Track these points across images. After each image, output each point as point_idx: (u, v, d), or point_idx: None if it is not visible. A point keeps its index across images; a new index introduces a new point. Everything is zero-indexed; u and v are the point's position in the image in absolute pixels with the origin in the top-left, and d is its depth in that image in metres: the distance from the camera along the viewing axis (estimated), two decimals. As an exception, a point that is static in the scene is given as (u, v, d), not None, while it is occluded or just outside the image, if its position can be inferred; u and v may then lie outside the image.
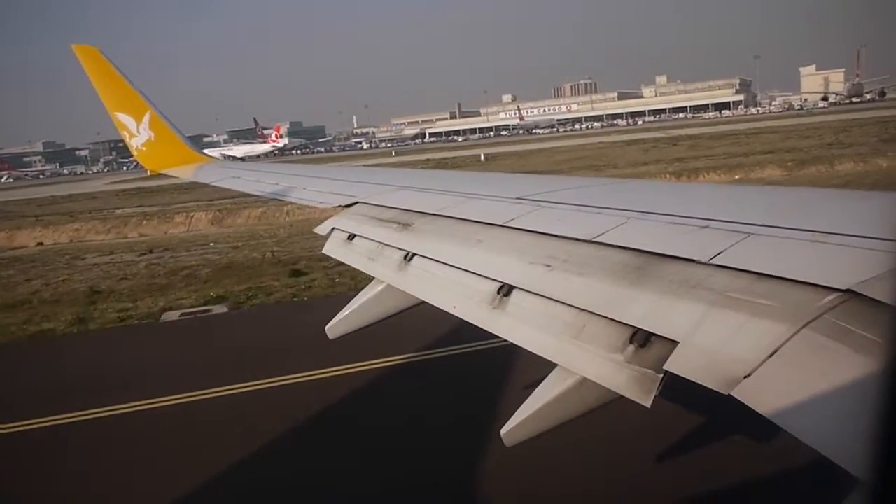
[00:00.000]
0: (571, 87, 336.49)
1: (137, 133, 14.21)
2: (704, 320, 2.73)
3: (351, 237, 6.24)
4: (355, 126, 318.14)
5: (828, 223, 3.14)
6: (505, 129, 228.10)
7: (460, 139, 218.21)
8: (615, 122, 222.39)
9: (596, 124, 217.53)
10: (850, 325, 2.27)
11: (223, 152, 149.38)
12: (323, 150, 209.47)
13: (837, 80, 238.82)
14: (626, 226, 3.94)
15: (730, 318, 2.66)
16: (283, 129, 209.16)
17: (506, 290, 3.89)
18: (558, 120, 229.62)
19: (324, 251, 6.52)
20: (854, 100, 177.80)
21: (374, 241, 5.82)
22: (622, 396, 2.93)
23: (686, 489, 8.31)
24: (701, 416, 9.40)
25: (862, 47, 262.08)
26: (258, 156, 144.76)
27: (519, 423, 3.49)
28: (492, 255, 4.42)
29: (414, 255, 5.08)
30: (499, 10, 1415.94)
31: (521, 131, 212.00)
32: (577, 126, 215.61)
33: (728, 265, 2.95)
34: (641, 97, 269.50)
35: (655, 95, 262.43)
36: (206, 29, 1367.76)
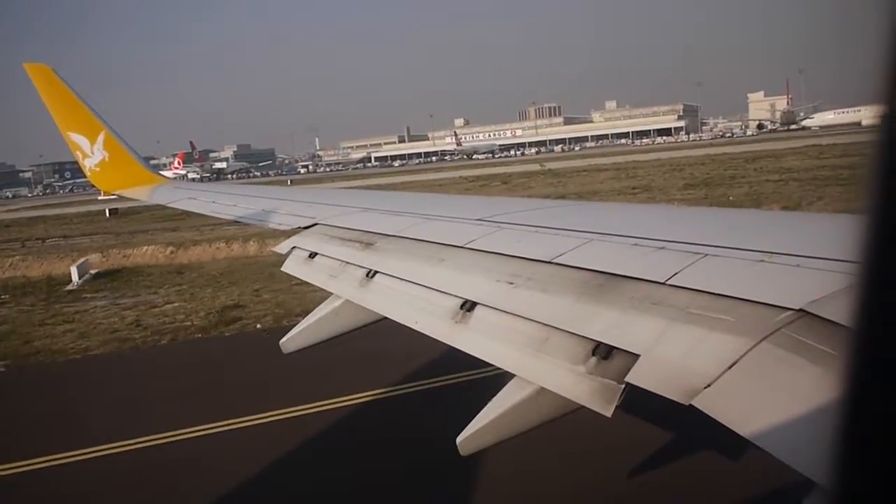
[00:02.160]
0: (536, 110, 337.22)
1: (91, 154, 13.85)
2: (665, 334, 2.84)
3: (312, 255, 6.28)
4: (317, 148, 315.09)
5: (778, 244, 3.27)
6: (447, 155, 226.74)
7: (397, 164, 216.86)
8: (553, 148, 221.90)
9: (531, 150, 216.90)
10: (807, 339, 2.36)
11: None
12: (259, 174, 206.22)
13: (783, 107, 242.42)
14: (586, 247, 4.01)
15: (689, 332, 2.78)
16: (223, 155, 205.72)
17: (469, 305, 3.94)
18: (500, 145, 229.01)
19: (283, 269, 6.53)
20: (792, 127, 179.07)
21: (335, 259, 5.88)
22: (581, 408, 3.01)
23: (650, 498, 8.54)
24: (660, 431, 9.58)
25: (800, 71, 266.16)
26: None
27: (475, 431, 3.49)
28: (454, 272, 4.47)
29: (376, 272, 5.13)
30: (460, 32, 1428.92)
31: (461, 156, 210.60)
32: (512, 152, 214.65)
33: (685, 286, 3.05)
34: (591, 122, 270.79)
35: (602, 121, 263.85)
36: (156, 50, 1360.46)
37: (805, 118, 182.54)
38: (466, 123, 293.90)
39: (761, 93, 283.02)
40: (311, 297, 21.29)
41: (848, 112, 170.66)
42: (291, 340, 5.78)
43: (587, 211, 6.60)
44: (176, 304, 21.39)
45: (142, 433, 11.32)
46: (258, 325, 18.16)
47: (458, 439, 3.55)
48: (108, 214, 68.48)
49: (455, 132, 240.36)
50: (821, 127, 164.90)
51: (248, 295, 21.86)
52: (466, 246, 4.74)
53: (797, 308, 2.52)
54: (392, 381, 13.06)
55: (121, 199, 15.91)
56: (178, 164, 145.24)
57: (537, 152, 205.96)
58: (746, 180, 49.94)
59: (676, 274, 3.19)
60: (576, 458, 9.33)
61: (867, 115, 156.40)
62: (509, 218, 5.34)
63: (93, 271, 29.38)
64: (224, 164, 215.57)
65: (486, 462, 8.87)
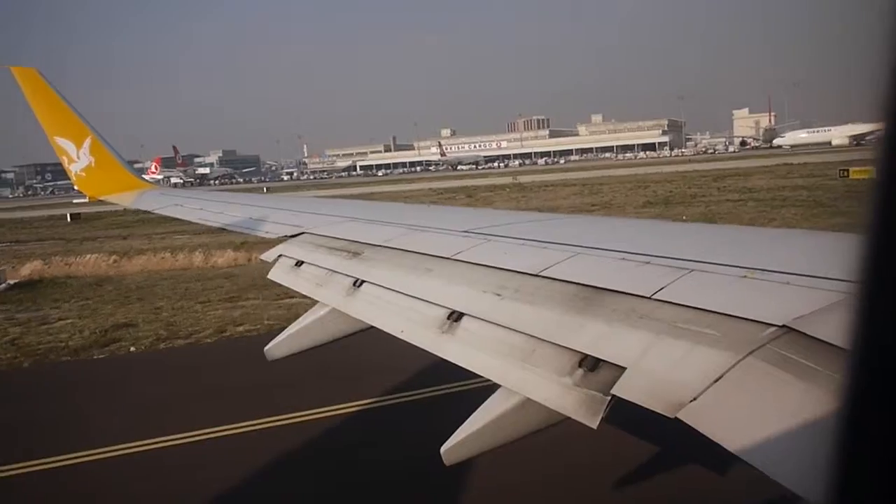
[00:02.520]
0: (525, 122, 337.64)
1: (77, 158, 13.74)
2: (651, 348, 2.84)
3: (299, 263, 6.28)
4: (305, 155, 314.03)
5: (764, 260, 3.31)
6: (432, 165, 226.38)
7: (380, 174, 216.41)
8: (537, 161, 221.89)
9: (515, 163, 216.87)
10: (793, 355, 2.37)
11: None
12: (242, 180, 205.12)
13: (766, 124, 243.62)
14: (573, 260, 4.05)
15: (675, 345, 2.78)
16: (208, 160, 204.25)
17: (455, 316, 3.97)
18: (485, 157, 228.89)
19: (269, 276, 6.54)
20: (774, 143, 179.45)
21: (322, 267, 5.90)
22: (566, 419, 3.04)
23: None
24: (645, 444, 9.59)
25: (794, 84, 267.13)
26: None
27: (459, 441, 3.51)
28: (442, 283, 4.49)
29: (363, 281, 5.16)
30: (447, 42, 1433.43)
31: (445, 167, 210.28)
32: (496, 164, 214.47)
33: (671, 300, 3.07)
34: (576, 135, 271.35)
35: (588, 134, 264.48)
36: (142, 54, 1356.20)
37: (777, 136, 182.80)
38: (453, 134, 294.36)
39: (746, 109, 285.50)
40: (208, 316, 20.81)
41: (819, 132, 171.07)
42: (276, 348, 5.71)
43: (574, 224, 6.60)
44: (69, 321, 20.48)
45: None
46: (132, 348, 17.33)
47: (443, 449, 3.55)
48: (69, 219, 67.49)
49: (440, 142, 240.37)
50: (792, 146, 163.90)
51: (147, 313, 21.01)
52: (453, 257, 4.76)
53: (781, 324, 2.55)
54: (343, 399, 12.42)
55: (104, 203, 15.51)
56: (155, 168, 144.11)
57: (520, 164, 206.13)
58: (706, 199, 49.47)
59: (662, 289, 3.22)
60: (560, 471, 9.42)
61: (837, 134, 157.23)
62: (497, 230, 5.38)
63: (11, 281, 28.41)
64: (207, 170, 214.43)
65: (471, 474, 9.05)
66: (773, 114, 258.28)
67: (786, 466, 2.09)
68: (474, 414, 3.56)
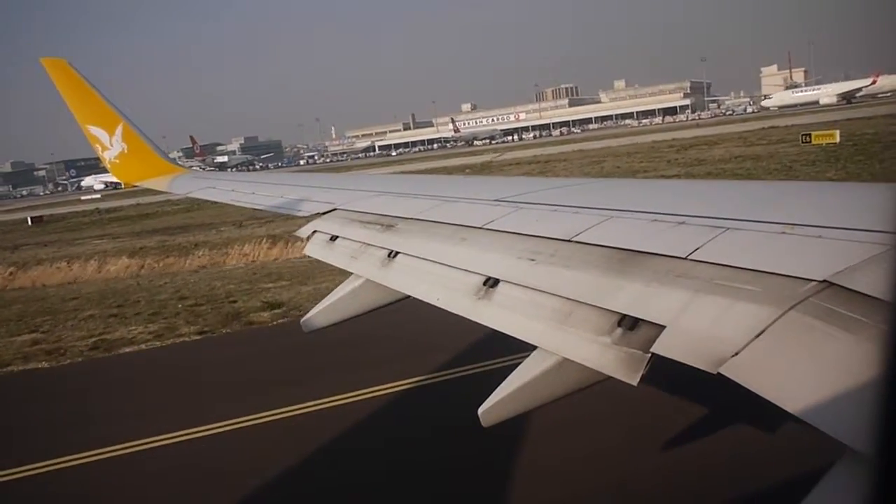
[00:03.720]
0: (553, 91, 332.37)
1: (110, 146, 13.94)
2: (690, 305, 2.84)
3: (333, 238, 6.38)
4: (333, 137, 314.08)
5: (799, 215, 3.26)
6: (448, 142, 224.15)
7: (395, 154, 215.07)
8: (552, 132, 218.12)
9: (530, 135, 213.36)
10: (836, 308, 2.36)
11: (104, 180, 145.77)
12: (261, 166, 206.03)
13: (798, 80, 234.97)
14: (605, 224, 4.02)
15: (715, 302, 2.77)
16: (230, 147, 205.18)
17: (491, 282, 3.99)
18: (503, 130, 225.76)
19: (304, 252, 6.71)
20: (762, 104, 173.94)
21: (356, 241, 5.97)
22: (604, 379, 3.08)
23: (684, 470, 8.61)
24: (686, 405, 9.71)
25: (811, 44, 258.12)
26: None
27: (496, 402, 3.53)
28: (476, 251, 4.51)
29: (397, 252, 5.21)
30: (467, 14, 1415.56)
31: (462, 143, 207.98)
32: (512, 137, 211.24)
33: (707, 260, 3.06)
34: (599, 102, 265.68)
35: (609, 101, 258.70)
36: (164, 46, 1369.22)
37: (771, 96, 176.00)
38: (474, 108, 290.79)
39: (774, 66, 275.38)
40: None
41: (807, 91, 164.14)
42: (311, 320, 5.83)
43: (605, 188, 6.51)
44: None
45: None
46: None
47: (480, 410, 3.57)
48: (29, 223, 67.95)
49: (452, 119, 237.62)
50: (779, 107, 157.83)
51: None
52: (486, 227, 4.76)
53: (821, 279, 2.53)
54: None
55: (143, 189, 15.91)
56: None
57: (535, 137, 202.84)
58: (649, 175, 47.41)
59: (698, 249, 3.20)
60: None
61: (826, 93, 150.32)
62: (527, 198, 5.39)
63: None
64: (225, 158, 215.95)
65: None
66: (803, 70, 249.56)
67: (832, 417, 2.07)
68: (511, 376, 3.56)
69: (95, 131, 13.93)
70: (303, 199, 8.31)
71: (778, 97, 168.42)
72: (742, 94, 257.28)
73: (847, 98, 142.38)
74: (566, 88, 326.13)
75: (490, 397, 3.57)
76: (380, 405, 11.37)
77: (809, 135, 54.77)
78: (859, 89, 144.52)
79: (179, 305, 20.12)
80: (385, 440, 10.20)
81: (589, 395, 3.43)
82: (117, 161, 14.16)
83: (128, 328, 18.02)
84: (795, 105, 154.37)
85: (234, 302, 19.80)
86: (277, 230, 36.80)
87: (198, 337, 16.83)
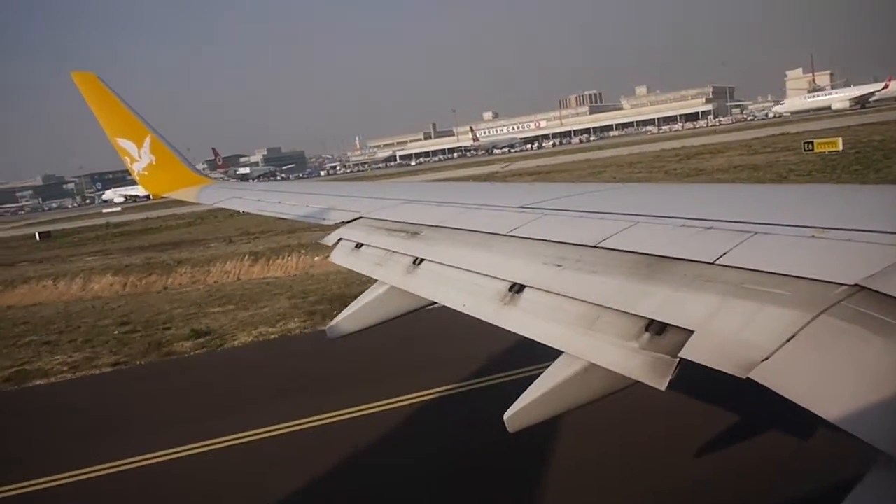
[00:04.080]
0: (577, 97, 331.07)
1: (139, 158, 14.10)
2: (719, 310, 2.82)
3: (358, 246, 6.43)
4: (358, 147, 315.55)
5: (828, 219, 3.24)
6: (469, 150, 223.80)
7: (413, 163, 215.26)
8: (569, 140, 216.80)
9: (548, 143, 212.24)
10: (869, 311, 2.34)
11: (124, 192, 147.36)
12: (280, 178, 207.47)
13: (824, 83, 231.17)
14: (631, 230, 3.99)
15: (744, 307, 2.75)
16: (253, 159, 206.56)
17: (517, 288, 3.98)
18: (524, 138, 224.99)
19: (330, 259, 6.73)
20: (774, 110, 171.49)
21: (381, 248, 6.01)
22: (631, 385, 3.06)
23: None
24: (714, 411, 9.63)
25: (835, 47, 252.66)
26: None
27: (522, 408, 3.51)
28: (501, 258, 4.51)
29: (422, 259, 5.22)
30: (488, 22, 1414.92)
31: (482, 152, 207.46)
32: (530, 146, 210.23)
33: (736, 265, 3.03)
34: (620, 109, 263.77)
35: (629, 108, 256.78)
36: (192, 60, 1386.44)
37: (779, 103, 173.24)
38: (495, 116, 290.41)
39: (799, 70, 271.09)
40: None
41: (819, 96, 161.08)
42: (336, 327, 5.88)
43: (630, 193, 6.46)
44: None
45: None
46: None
47: (506, 416, 3.56)
48: (37, 238, 68.73)
49: (471, 127, 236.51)
50: (792, 112, 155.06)
51: None
52: (511, 234, 4.76)
53: (853, 283, 2.50)
54: None
55: (172, 201, 15.89)
56: None
57: (553, 145, 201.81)
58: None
59: (725, 254, 3.19)
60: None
61: (838, 98, 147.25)
62: (552, 204, 5.40)
63: None
64: (248, 170, 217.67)
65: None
66: (829, 73, 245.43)
67: (867, 421, 2.04)
68: (537, 381, 3.55)
69: (124, 144, 14.06)
70: (328, 209, 8.31)
71: (790, 103, 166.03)
72: (769, 98, 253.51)
73: (861, 102, 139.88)
74: (590, 95, 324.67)
75: (515, 403, 3.56)
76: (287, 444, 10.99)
77: (812, 142, 53.44)
78: (872, 94, 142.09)
79: (115, 332, 19.94)
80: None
81: (614, 401, 3.43)
82: (146, 173, 14.29)
83: (53, 357, 17.84)
84: (808, 110, 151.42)
85: (168, 329, 19.60)
86: (260, 247, 36.85)
87: (109, 369, 16.55)
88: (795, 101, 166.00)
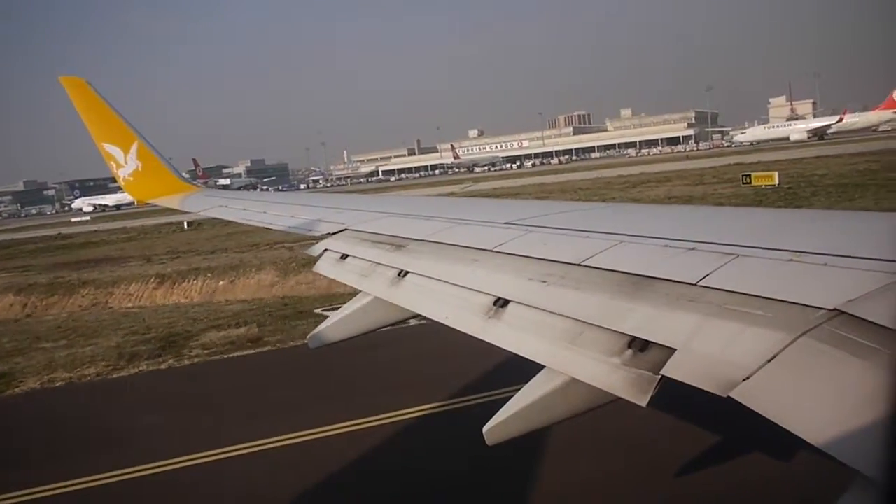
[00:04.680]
0: (566, 118, 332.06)
1: (125, 163, 14.03)
2: (701, 329, 2.87)
3: (343, 257, 6.50)
4: (345, 160, 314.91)
5: (808, 243, 3.29)
6: (451, 168, 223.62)
7: (392, 179, 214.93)
8: (549, 160, 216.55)
9: (528, 163, 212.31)
10: (848, 335, 2.38)
11: (92, 202, 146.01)
12: (260, 189, 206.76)
13: (806, 111, 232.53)
14: (615, 249, 4.05)
15: (726, 327, 2.80)
16: (236, 170, 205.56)
17: (501, 302, 4.04)
18: (506, 157, 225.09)
19: (314, 270, 6.86)
20: (734, 139, 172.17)
21: (366, 260, 6.05)
22: (612, 401, 3.10)
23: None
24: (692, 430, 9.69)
25: (817, 76, 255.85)
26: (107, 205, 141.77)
27: (501, 421, 3.52)
28: (486, 272, 4.54)
29: (407, 272, 5.28)
30: (477, 41, 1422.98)
31: (463, 170, 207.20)
32: (510, 165, 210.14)
33: (717, 286, 3.08)
34: (605, 130, 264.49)
35: (613, 130, 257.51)
36: (172, 69, 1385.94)
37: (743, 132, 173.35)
38: (481, 134, 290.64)
39: (783, 97, 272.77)
40: None
41: (778, 126, 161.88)
42: (318, 336, 5.86)
43: (615, 213, 6.58)
44: None
45: None
46: None
47: (485, 428, 3.54)
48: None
49: (452, 145, 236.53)
50: (753, 142, 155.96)
51: None
52: (496, 249, 4.77)
53: (832, 308, 2.53)
54: None
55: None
56: None
57: (533, 165, 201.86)
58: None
59: (708, 275, 3.20)
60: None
61: (797, 129, 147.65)
62: (537, 220, 5.40)
63: None
64: (228, 181, 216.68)
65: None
66: (811, 101, 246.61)
67: (844, 442, 2.06)
68: (517, 395, 3.54)
69: (111, 149, 13.98)
70: (314, 220, 8.27)
71: (751, 132, 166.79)
72: (756, 124, 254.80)
73: (818, 134, 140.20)
74: (579, 115, 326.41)
75: (495, 416, 3.55)
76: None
77: (749, 175, 53.32)
78: (829, 126, 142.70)
79: None
80: None
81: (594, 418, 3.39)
82: (131, 179, 14.19)
83: None
84: (769, 140, 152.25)
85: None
86: (168, 269, 36.14)
87: None
88: (756, 130, 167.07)
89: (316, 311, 20.73)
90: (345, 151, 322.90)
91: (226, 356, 17.47)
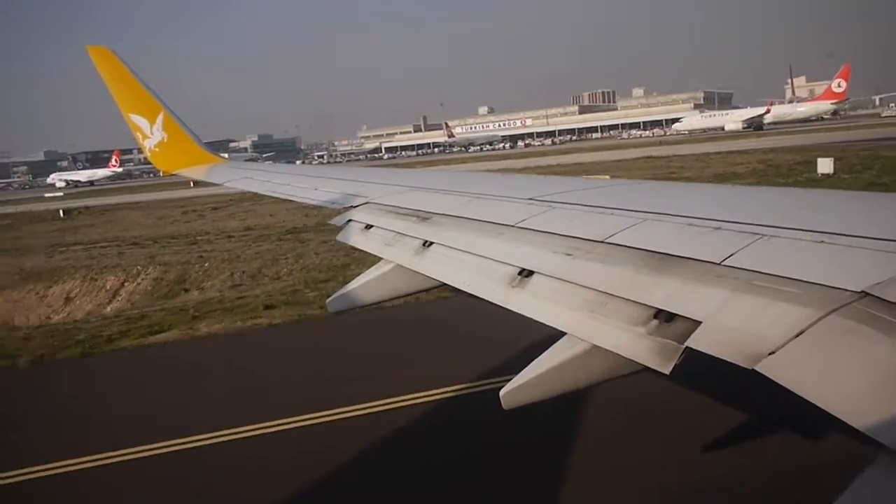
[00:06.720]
0: (590, 95, 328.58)
1: (150, 134, 14.09)
2: (728, 303, 2.87)
3: (368, 227, 6.56)
4: (365, 132, 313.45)
5: (836, 224, 3.29)
6: (445, 147, 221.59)
7: (386, 157, 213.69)
8: (542, 140, 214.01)
9: (520, 143, 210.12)
10: (878, 313, 2.40)
11: (65, 177, 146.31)
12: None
13: (804, 95, 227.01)
14: (639, 227, 4.03)
15: (753, 302, 2.80)
16: (242, 144, 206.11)
17: (526, 273, 4.04)
18: (506, 136, 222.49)
19: (337, 238, 6.92)
20: (673, 128, 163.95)
21: (391, 230, 6.09)
22: (633, 371, 3.12)
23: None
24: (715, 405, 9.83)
25: (829, 56, 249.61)
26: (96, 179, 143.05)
27: (518, 385, 3.51)
28: (511, 245, 4.55)
29: (432, 242, 5.30)
30: (490, 19, 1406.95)
31: (456, 148, 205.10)
32: (502, 146, 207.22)
33: (742, 266, 3.08)
34: (614, 110, 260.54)
35: (620, 109, 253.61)
36: (183, 45, 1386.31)
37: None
38: (491, 111, 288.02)
39: (803, 78, 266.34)
40: None
41: (715, 116, 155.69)
42: (337, 301, 5.91)
43: (639, 190, 6.46)
44: None
45: None
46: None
47: (502, 392, 3.53)
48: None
49: (446, 123, 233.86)
50: (689, 131, 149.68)
51: None
52: (519, 225, 4.77)
53: (859, 290, 2.54)
54: None
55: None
56: (115, 161, 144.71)
57: (526, 145, 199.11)
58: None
59: (732, 255, 3.19)
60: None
61: (731, 119, 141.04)
62: (560, 198, 5.37)
63: None
64: (226, 156, 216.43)
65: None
66: (826, 83, 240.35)
67: (871, 416, 2.08)
68: (537, 360, 3.52)
69: (137, 120, 13.99)
70: (337, 192, 8.38)
71: (687, 121, 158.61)
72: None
73: (752, 125, 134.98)
74: (604, 93, 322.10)
75: (513, 380, 3.53)
76: None
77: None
78: (762, 116, 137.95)
79: None
80: None
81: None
82: (157, 149, 14.22)
83: None
84: (705, 129, 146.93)
85: None
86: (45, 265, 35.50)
87: None
88: (693, 119, 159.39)
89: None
90: (364, 126, 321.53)
91: None
